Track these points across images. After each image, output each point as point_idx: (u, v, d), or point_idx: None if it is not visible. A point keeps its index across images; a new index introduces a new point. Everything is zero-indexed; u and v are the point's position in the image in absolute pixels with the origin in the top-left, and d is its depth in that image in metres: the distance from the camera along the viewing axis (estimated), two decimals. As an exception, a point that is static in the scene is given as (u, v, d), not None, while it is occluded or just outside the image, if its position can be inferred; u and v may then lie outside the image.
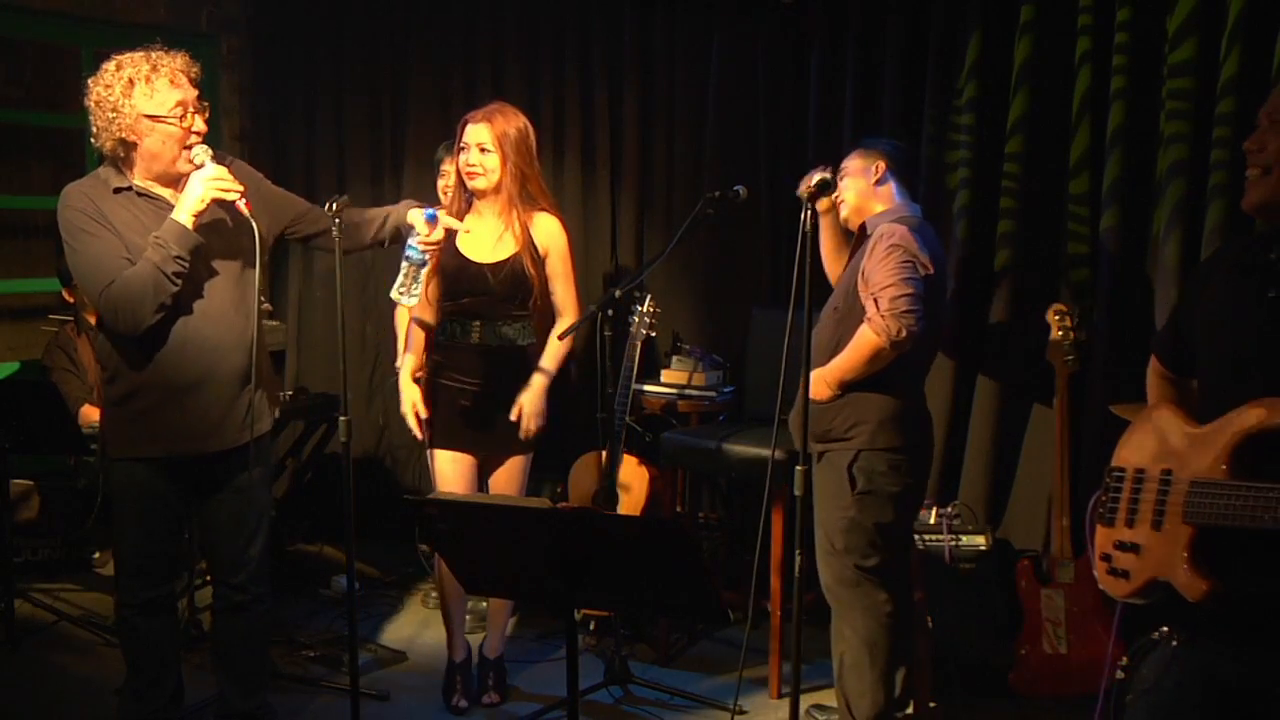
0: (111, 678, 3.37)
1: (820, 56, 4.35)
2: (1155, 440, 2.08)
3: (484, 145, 3.48)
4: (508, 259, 3.54)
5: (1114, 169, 3.72)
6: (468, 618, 3.95)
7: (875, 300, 3.10)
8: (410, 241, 3.10)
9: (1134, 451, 2.12)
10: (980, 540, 3.79)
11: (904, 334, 3.06)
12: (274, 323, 5.36)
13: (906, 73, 4.15)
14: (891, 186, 3.31)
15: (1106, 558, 2.12)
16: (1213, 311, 2.10)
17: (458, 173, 3.57)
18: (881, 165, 3.30)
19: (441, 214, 3.16)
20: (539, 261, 3.58)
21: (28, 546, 4.79)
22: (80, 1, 5.09)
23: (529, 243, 3.56)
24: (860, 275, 3.16)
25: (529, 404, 3.57)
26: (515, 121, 3.52)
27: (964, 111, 4.00)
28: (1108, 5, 3.72)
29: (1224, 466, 1.91)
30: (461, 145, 3.52)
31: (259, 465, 3.16)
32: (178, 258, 2.87)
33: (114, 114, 2.88)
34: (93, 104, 2.90)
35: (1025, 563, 3.67)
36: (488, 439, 3.64)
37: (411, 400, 3.65)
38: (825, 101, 4.36)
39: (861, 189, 3.32)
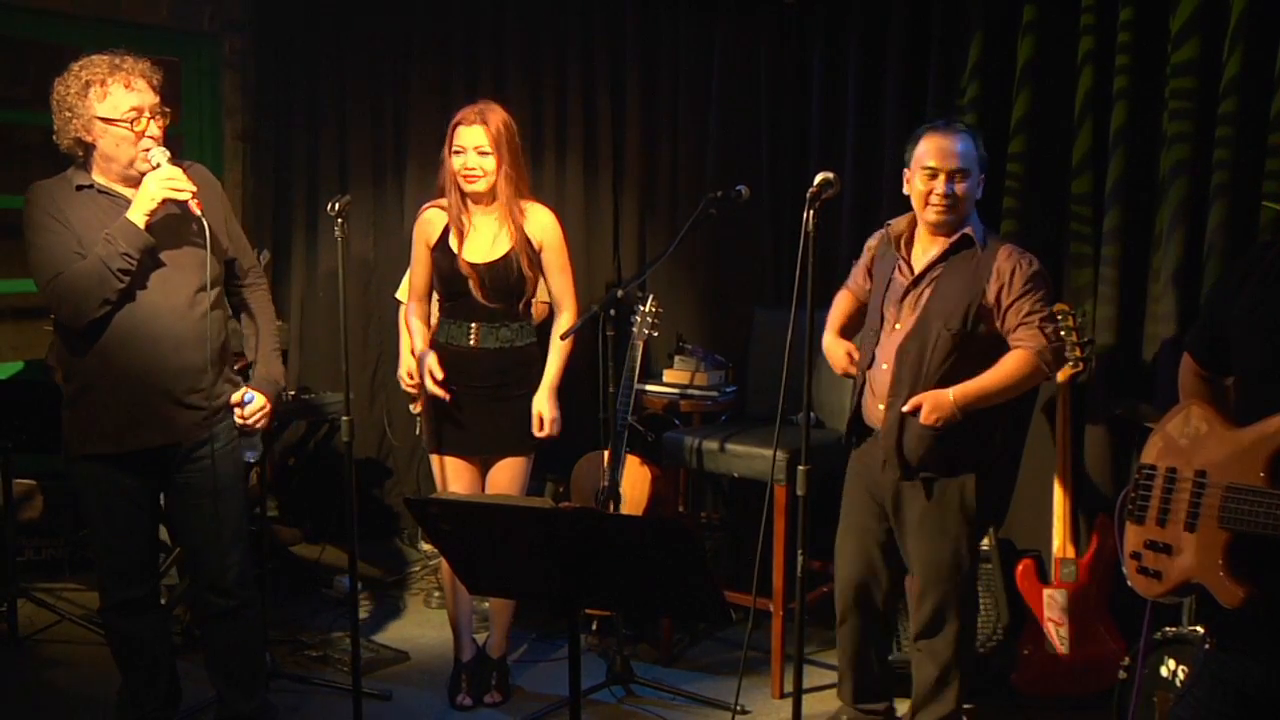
0: (113, 677, 3.37)
1: (822, 56, 4.35)
2: (1189, 439, 2.05)
3: (481, 147, 3.49)
4: (499, 259, 3.55)
5: (1116, 169, 3.72)
6: (473, 617, 3.96)
7: (1041, 331, 3.05)
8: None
9: (1166, 450, 2.09)
10: (983, 540, 3.79)
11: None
12: (276, 323, 5.35)
13: (909, 73, 4.15)
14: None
15: (1137, 556, 2.09)
16: (1249, 313, 2.08)
17: (452, 175, 3.56)
18: (983, 182, 3.17)
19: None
20: (534, 257, 3.59)
21: (30, 546, 4.80)
22: (84, 2, 5.09)
23: (523, 240, 3.57)
24: (996, 301, 3.06)
25: (547, 412, 3.62)
26: (506, 120, 3.54)
27: (966, 111, 3.99)
28: (1110, 5, 3.72)
29: (1262, 474, 1.87)
30: (457, 149, 3.52)
31: (223, 460, 3.13)
32: (125, 254, 2.91)
33: (70, 114, 2.94)
34: (54, 103, 2.96)
35: (1027, 563, 3.67)
36: (489, 441, 3.65)
37: (407, 368, 3.84)
38: (827, 101, 4.36)
39: (971, 205, 3.14)
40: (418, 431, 4.57)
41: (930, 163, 3.09)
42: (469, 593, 3.67)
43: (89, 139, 2.96)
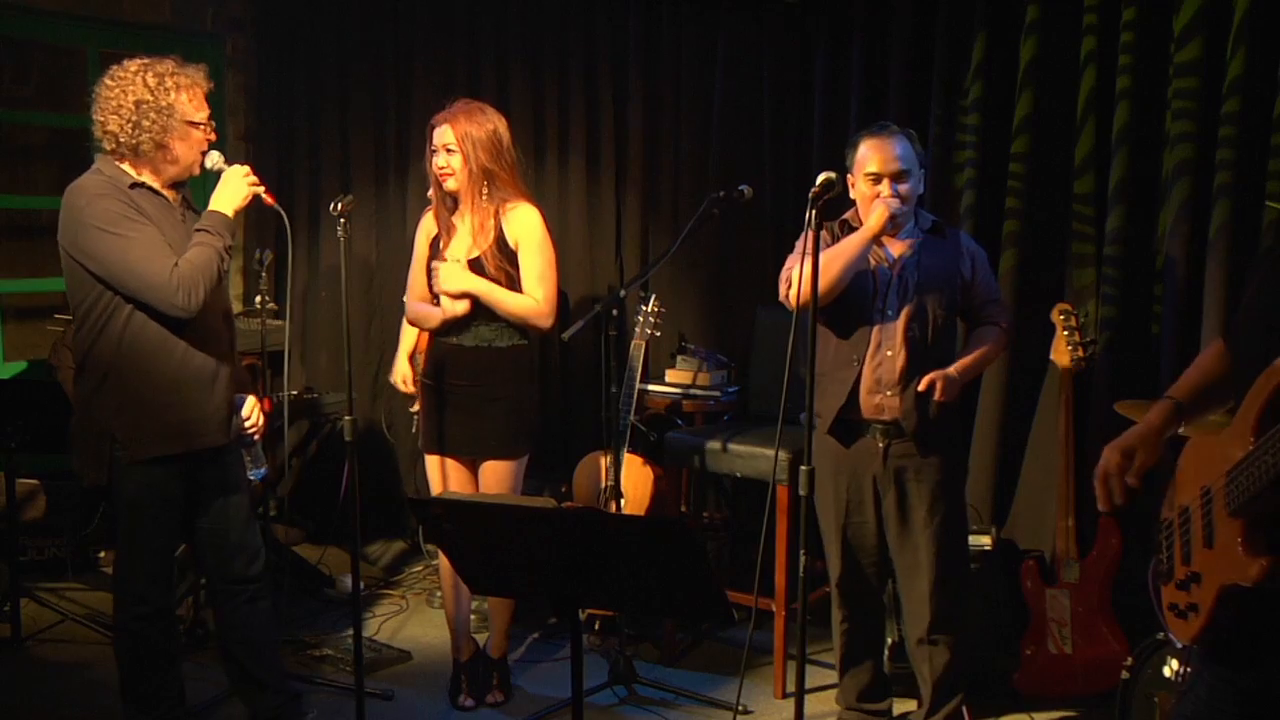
0: (115, 677, 3.37)
1: (825, 56, 4.35)
2: (1192, 470, 2.03)
3: (449, 145, 3.50)
4: (473, 260, 3.54)
5: (1119, 169, 3.72)
6: (473, 617, 3.95)
7: (1007, 307, 3.41)
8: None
9: (1177, 495, 2.07)
10: (985, 540, 3.79)
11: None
12: (278, 322, 5.36)
13: (912, 73, 4.15)
14: None
15: (1173, 607, 2.06)
16: (1250, 308, 2.07)
17: (431, 175, 3.60)
18: (923, 179, 3.30)
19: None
20: (510, 258, 3.54)
21: (34, 545, 4.80)
22: (86, 2, 5.09)
23: (498, 240, 3.53)
24: (971, 281, 3.30)
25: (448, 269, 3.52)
26: (479, 118, 3.52)
27: (970, 111, 4.00)
28: (1113, 5, 3.72)
29: (1252, 439, 1.84)
30: (433, 149, 3.55)
31: (238, 453, 3.27)
32: (230, 247, 3.06)
33: (158, 115, 2.99)
34: (129, 104, 2.97)
35: (1030, 563, 3.66)
36: (476, 443, 3.62)
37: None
38: (830, 101, 4.36)
39: (915, 200, 3.28)
40: (414, 429, 4.57)
41: (871, 168, 3.20)
42: (471, 592, 3.68)
43: (167, 140, 3.01)
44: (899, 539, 3.32)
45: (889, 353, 3.23)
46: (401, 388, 4.20)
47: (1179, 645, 2.13)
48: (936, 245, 3.29)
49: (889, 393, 3.23)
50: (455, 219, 3.59)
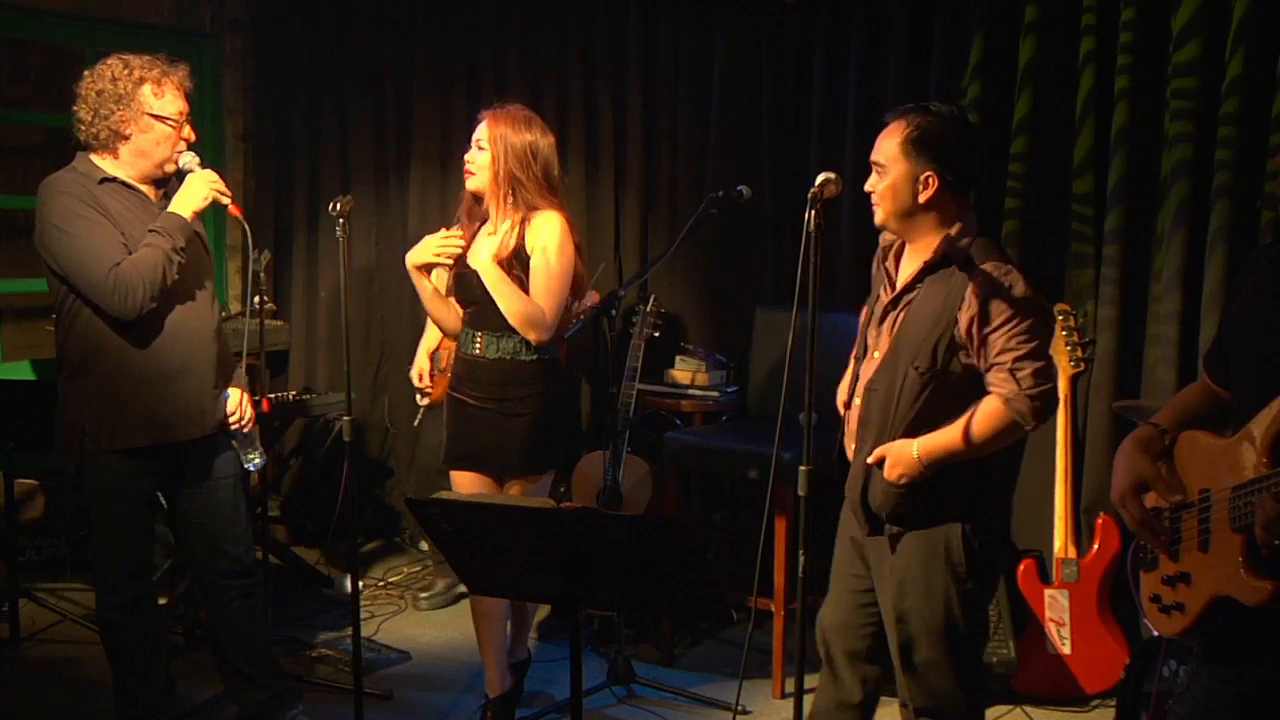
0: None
1: (824, 56, 4.35)
2: (1188, 466, 2.03)
3: (480, 142, 3.36)
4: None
5: (1118, 169, 3.72)
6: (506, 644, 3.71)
7: (1014, 375, 2.48)
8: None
9: (1168, 486, 2.06)
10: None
11: (1047, 417, 2.54)
12: (278, 323, 5.36)
13: (910, 73, 4.15)
14: (951, 200, 2.59)
15: (1156, 599, 2.06)
16: (1243, 316, 2.07)
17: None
18: (933, 180, 2.56)
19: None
20: (524, 265, 3.35)
21: (32, 545, 4.80)
22: (85, 2, 5.09)
23: (517, 248, 3.34)
24: (969, 333, 2.52)
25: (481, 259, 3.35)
26: (520, 126, 3.34)
27: (968, 111, 3.99)
28: (1112, 5, 3.72)
29: (1264, 460, 1.83)
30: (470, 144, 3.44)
31: (229, 447, 3.27)
32: (179, 248, 3.02)
33: (117, 106, 3.01)
34: (92, 93, 3.02)
35: (1029, 563, 3.67)
36: (497, 459, 3.45)
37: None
38: (828, 101, 4.36)
39: (902, 206, 2.61)
40: (415, 423, 4.56)
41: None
42: (471, 592, 3.66)
43: (128, 132, 3.03)
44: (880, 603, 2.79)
45: (857, 399, 2.73)
46: (416, 382, 4.15)
47: (1155, 634, 2.13)
48: (941, 279, 2.58)
49: (853, 445, 2.75)
50: (480, 219, 3.46)
